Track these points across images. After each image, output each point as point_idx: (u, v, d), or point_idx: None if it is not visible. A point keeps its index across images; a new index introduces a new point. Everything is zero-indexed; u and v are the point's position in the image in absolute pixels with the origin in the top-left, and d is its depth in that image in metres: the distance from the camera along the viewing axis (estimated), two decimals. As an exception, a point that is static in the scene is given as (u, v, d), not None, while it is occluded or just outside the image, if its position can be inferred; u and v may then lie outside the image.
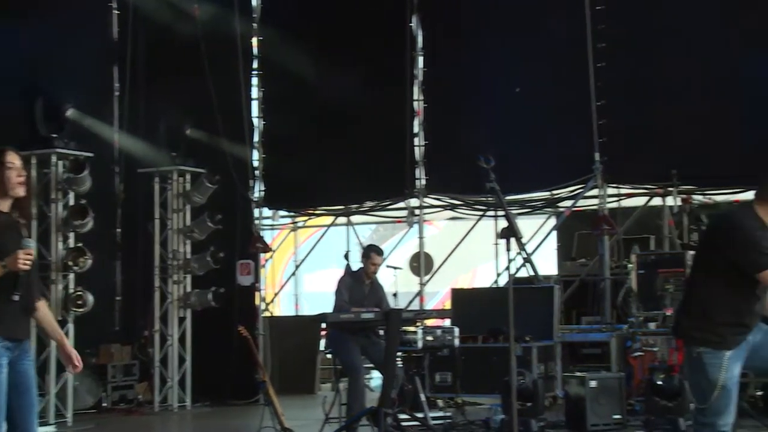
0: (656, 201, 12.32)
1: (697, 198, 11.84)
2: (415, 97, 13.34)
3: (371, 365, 9.44)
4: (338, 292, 8.94)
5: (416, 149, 13.31)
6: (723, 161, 10.93)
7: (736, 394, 4.78)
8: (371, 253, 9.16)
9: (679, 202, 11.51)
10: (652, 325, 9.99)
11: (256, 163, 14.01)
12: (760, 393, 10.10)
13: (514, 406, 4.19)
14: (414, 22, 13.24)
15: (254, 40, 14.01)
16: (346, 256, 12.78)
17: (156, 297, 12.17)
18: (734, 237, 4.76)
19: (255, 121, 14.01)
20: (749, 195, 13.04)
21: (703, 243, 5.21)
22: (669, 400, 8.67)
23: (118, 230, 13.01)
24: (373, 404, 8.47)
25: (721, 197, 12.10)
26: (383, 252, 9.41)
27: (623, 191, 12.36)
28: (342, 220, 14.79)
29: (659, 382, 8.73)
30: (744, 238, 4.72)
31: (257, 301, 13.31)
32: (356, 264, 9.53)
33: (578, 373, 9.10)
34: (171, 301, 12.21)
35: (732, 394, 4.73)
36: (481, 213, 13.54)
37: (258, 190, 14.02)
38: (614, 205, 12.35)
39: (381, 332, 8.82)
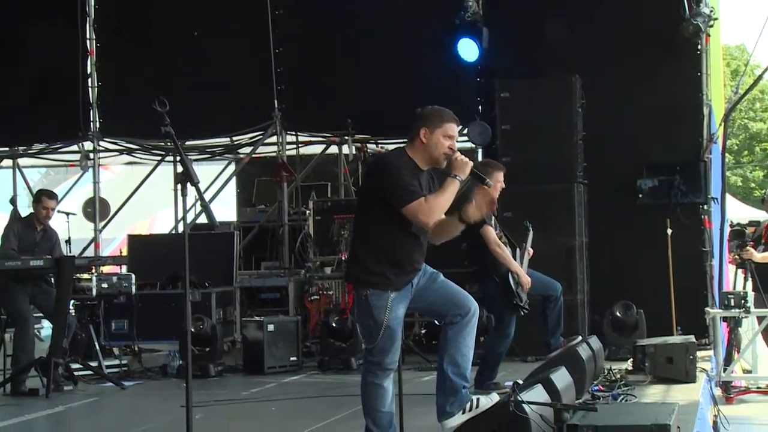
0: (333, 149, 12.70)
1: (371, 147, 12.34)
2: (88, 36, 12.74)
3: (41, 314, 9.04)
4: (5, 239, 8.45)
5: (90, 90, 12.75)
6: (396, 112, 11.39)
7: (400, 333, 5.04)
8: (42, 197, 8.72)
9: (354, 151, 11.94)
10: (328, 270, 10.34)
11: None
12: (424, 331, 10.82)
13: (189, 352, 4.18)
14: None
15: None
16: (12, 201, 12.06)
17: None
18: (384, 176, 4.88)
19: None
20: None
21: (362, 188, 5.35)
22: (343, 341, 9.05)
23: None
24: (43, 354, 8.15)
25: (394, 146, 12.67)
26: (56, 195, 8.98)
27: (301, 139, 12.60)
28: (7, 162, 13.91)
29: (333, 324, 9.09)
30: (392, 176, 4.84)
31: None
32: (24, 209, 9.01)
33: (256, 318, 9.24)
34: None
35: (396, 333, 4.96)
36: (159, 158, 13.28)
37: None
38: (293, 152, 12.57)
39: (53, 279, 8.45)
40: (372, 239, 4.93)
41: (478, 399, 4.94)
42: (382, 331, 4.83)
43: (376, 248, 4.90)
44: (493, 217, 7.38)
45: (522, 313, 7.38)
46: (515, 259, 7.43)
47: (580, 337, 7.60)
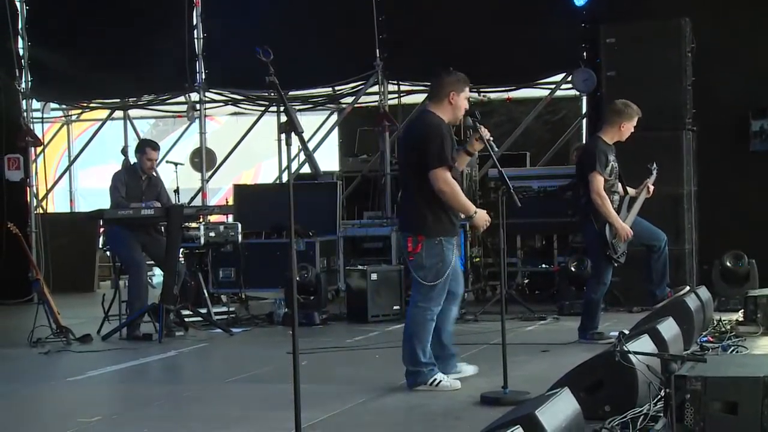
0: (434, 98, 12.58)
1: (473, 95, 12.18)
2: (195, -13, 12.88)
3: (152, 262, 9.30)
4: (114, 189, 8.71)
5: (196, 42, 12.92)
6: (497, 60, 11.27)
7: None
8: (146, 147, 8.94)
9: (456, 99, 11.80)
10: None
11: (21, 52, 13.14)
12: (527, 281, 10.77)
13: (294, 300, 4.24)
14: None
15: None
16: (124, 152, 12.37)
17: None
18: (426, 138, 5.58)
19: (18, 6, 13.09)
20: (520, 92, 13.52)
21: (410, 146, 5.83)
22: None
23: None
24: (155, 301, 8.40)
25: (495, 95, 12.56)
26: (158, 146, 9.19)
27: (403, 88, 12.55)
28: (119, 114, 14.27)
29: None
30: (434, 139, 5.57)
31: (28, 198, 12.72)
32: (135, 159, 9.24)
33: (360, 267, 9.32)
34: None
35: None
36: (263, 108, 13.42)
37: (25, 81, 13.20)
38: (394, 101, 12.54)
39: (162, 228, 8.67)
40: (432, 193, 5.54)
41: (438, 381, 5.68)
42: (448, 271, 5.56)
43: (438, 201, 5.56)
44: (612, 163, 7.28)
45: (615, 264, 7.29)
46: (620, 208, 7.31)
47: (688, 287, 7.45)
